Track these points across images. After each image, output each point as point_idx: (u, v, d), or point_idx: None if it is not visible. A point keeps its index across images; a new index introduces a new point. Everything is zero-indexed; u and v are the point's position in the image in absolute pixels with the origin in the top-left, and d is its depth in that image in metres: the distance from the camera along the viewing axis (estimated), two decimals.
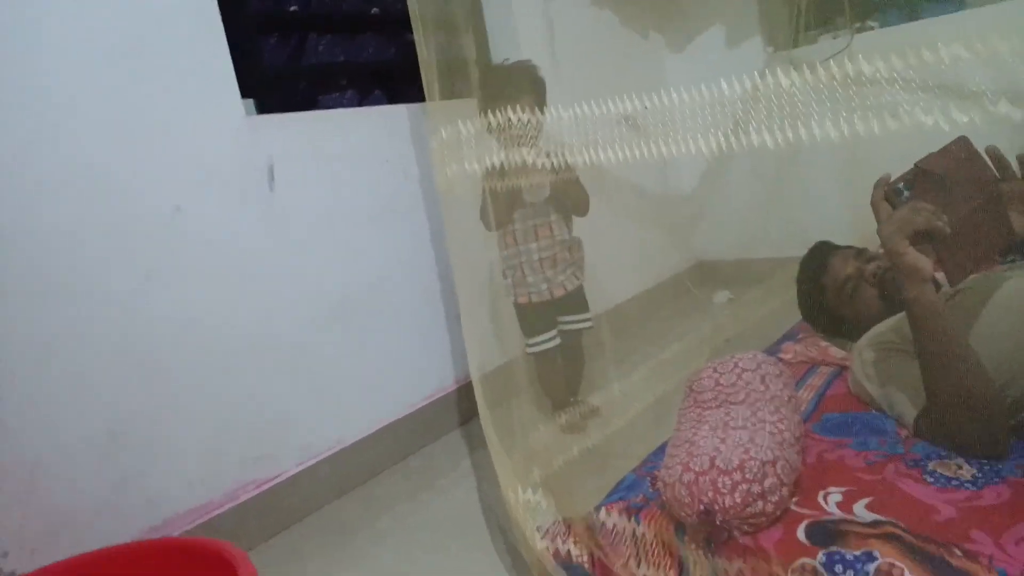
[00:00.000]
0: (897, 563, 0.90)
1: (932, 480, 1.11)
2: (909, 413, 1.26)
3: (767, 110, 1.08)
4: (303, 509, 1.83)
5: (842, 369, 1.63)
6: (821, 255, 1.73)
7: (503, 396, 1.59)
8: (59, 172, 1.43)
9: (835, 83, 1.00)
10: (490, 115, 1.59)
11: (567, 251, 2.02)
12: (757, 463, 1.05)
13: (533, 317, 2.00)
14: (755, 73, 1.09)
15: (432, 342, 2.22)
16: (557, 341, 2.05)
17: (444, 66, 1.59)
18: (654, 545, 1.11)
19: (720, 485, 1.03)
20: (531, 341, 2.00)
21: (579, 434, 1.92)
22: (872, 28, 2.76)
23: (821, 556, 0.96)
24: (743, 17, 3.10)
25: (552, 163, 1.67)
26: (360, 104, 2.55)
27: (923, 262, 1.11)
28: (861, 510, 1.05)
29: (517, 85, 1.87)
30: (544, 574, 1.26)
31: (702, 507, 1.03)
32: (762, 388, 1.26)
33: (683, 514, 1.06)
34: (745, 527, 1.03)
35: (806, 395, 1.54)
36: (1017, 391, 1.16)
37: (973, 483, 1.08)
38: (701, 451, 1.09)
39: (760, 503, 1.03)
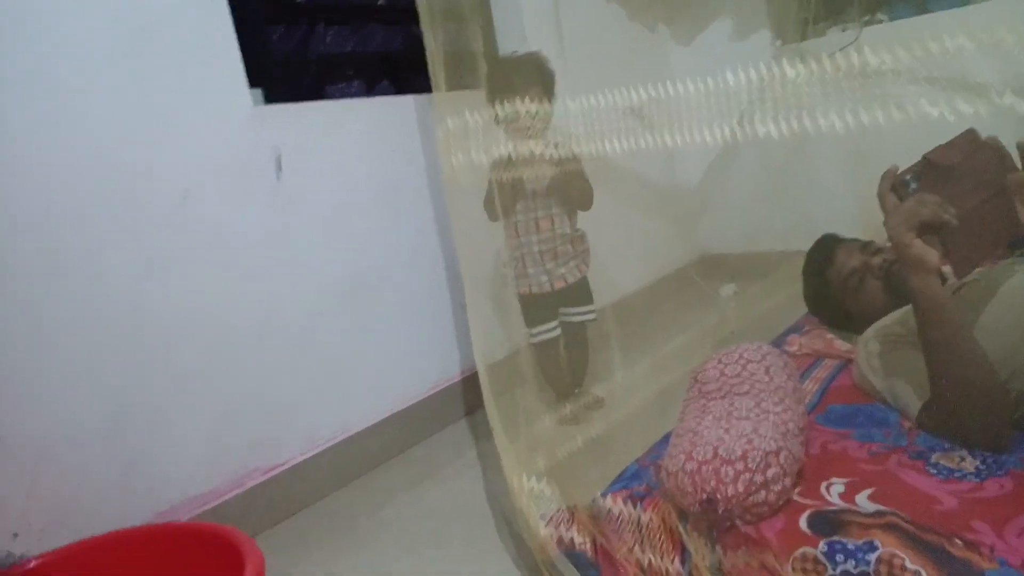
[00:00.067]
0: (898, 553, 0.91)
1: (935, 472, 1.11)
2: (913, 405, 1.26)
3: (773, 101, 1.09)
4: (308, 496, 1.85)
5: (847, 362, 1.63)
6: (827, 248, 1.73)
7: (508, 386, 1.60)
8: (68, 157, 1.43)
9: (841, 75, 1.00)
10: (498, 106, 1.60)
11: (569, 244, 2.02)
12: (760, 453, 1.05)
13: (534, 308, 2.00)
14: (761, 64, 1.09)
15: (437, 332, 2.23)
16: (558, 332, 2.06)
17: (451, 57, 1.59)
18: (657, 533, 1.12)
19: (723, 474, 1.04)
20: (532, 331, 2.01)
21: (576, 426, 1.93)
22: (881, 21, 2.75)
23: (823, 545, 0.96)
24: (751, 10, 3.08)
25: (559, 154, 1.68)
26: (367, 94, 2.55)
27: (929, 254, 1.11)
28: (863, 501, 1.05)
29: (526, 77, 1.87)
30: (547, 562, 1.27)
31: (705, 496, 1.04)
32: (766, 379, 1.26)
33: (686, 503, 1.07)
34: (748, 516, 1.04)
35: (811, 387, 1.55)
36: (1021, 384, 1.16)
37: (976, 475, 1.08)
38: (704, 440, 1.10)
39: (763, 493, 1.03)
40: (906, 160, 1.20)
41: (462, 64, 1.64)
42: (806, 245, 1.82)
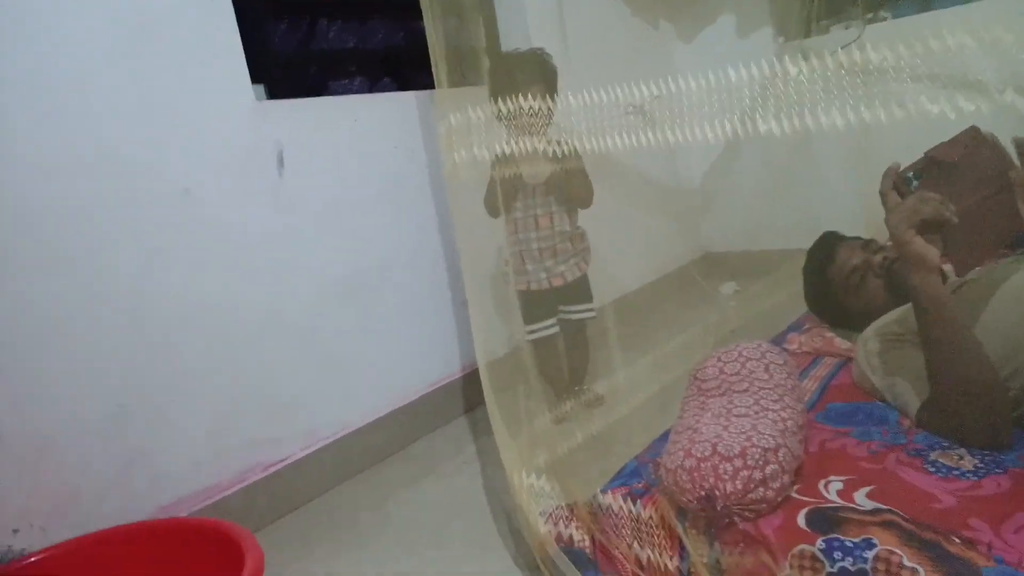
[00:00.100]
0: (896, 550, 0.91)
1: (933, 470, 1.11)
2: (912, 403, 1.26)
3: (775, 99, 1.08)
4: (309, 492, 1.85)
5: (847, 360, 1.63)
6: (828, 246, 1.73)
7: (509, 382, 1.60)
8: (70, 154, 1.44)
9: (843, 72, 1.00)
10: (500, 103, 1.60)
11: (568, 242, 2.02)
12: (759, 450, 1.05)
13: (532, 304, 2.00)
14: (763, 61, 1.09)
15: (438, 328, 2.23)
16: (555, 329, 2.06)
17: (453, 53, 1.59)
18: (655, 530, 1.12)
19: (722, 471, 1.04)
20: (529, 328, 2.01)
21: (573, 423, 1.93)
22: (884, 19, 2.75)
23: (820, 542, 0.96)
24: (754, 7, 3.08)
25: (560, 151, 1.68)
26: (369, 90, 2.55)
27: (930, 251, 1.11)
28: (862, 498, 1.05)
29: (529, 73, 1.87)
30: (546, 558, 1.27)
31: (703, 493, 1.04)
32: (766, 377, 1.26)
33: (684, 500, 1.07)
34: (746, 513, 1.04)
35: (810, 385, 1.55)
36: (1021, 383, 1.16)
37: (974, 473, 1.09)
38: (703, 438, 1.10)
39: (761, 490, 1.04)
40: (908, 158, 1.20)
41: (464, 60, 1.64)
42: (807, 243, 1.81)
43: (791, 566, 0.97)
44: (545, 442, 1.63)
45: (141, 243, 1.55)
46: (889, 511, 0.99)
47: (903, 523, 0.95)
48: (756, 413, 1.15)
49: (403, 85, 2.59)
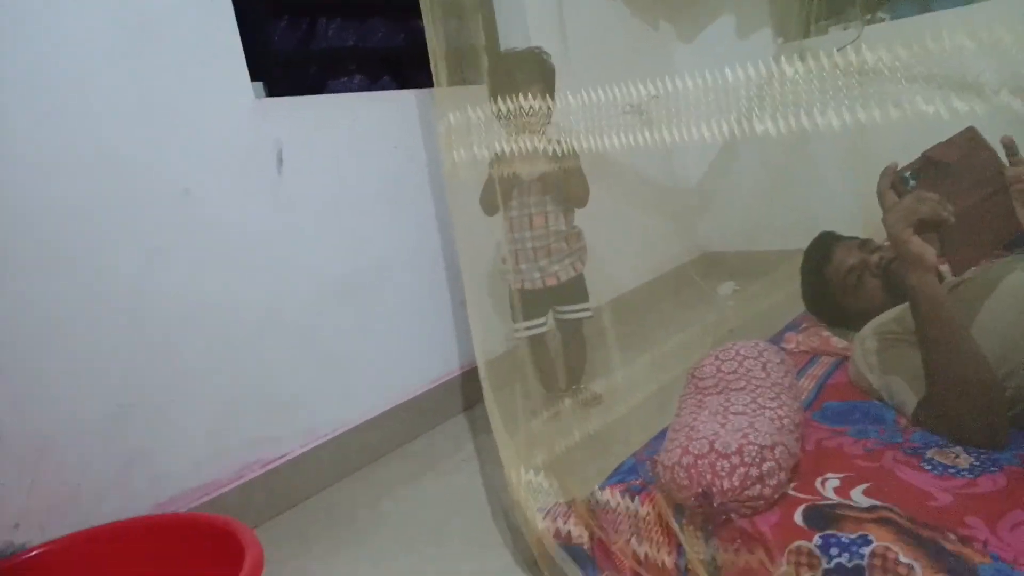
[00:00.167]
0: (892, 546, 0.91)
1: (930, 468, 1.12)
2: (909, 402, 1.27)
3: (772, 99, 1.09)
4: (308, 489, 1.85)
5: (843, 359, 1.64)
6: (825, 245, 1.73)
7: (508, 380, 1.61)
8: (70, 151, 1.44)
9: (839, 72, 1.00)
10: (499, 102, 1.60)
11: (563, 241, 2.01)
12: (756, 447, 1.06)
13: (523, 303, 2.00)
14: (759, 62, 1.10)
15: (437, 327, 2.24)
16: (544, 329, 2.05)
17: (452, 52, 1.59)
18: (653, 527, 1.13)
19: (719, 468, 1.04)
20: (518, 326, 2.01)
21: (566, 423, 1.93)
22: (883, 20, 2.76)
23: (817, 539, 0.97)
24: (753, 8, 3.09)
25: (558, 151, 1.68)
26: (369, 89, 2.56)
27: (927, 250, 1.12)
28: (858, 496, 1.06)
29: (527, 72, 1.87)
30: (544, 555, 1.28)
31: (700, 490, 1.04)
32: (763, 375, 1.27)
33: (682, 496, 1.08)
34: (743, 510, 1.04)
35: (807, 384, 1.55)
36: (1018, 382, 1.16)
37: (970, 471, 1.09)
38: (700, 435, 1.11)
39: (758, 487, 1.04)
40: (904, 158, 1.20)
41: (464, 59, 1.65)
42: (805, 243, 1.82)
43: (788, 562, 0.97)
44: (543, 440, 1.63)
45: (141, 243, 1.55)
46: (885, 508, 0.99)
47: (899, 520, 0.96)
48: (753, 411, 1.16)
49: (402, 83, 2.60)
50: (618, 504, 1.19)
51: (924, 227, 1.12)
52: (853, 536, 0.95)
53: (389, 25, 2.64)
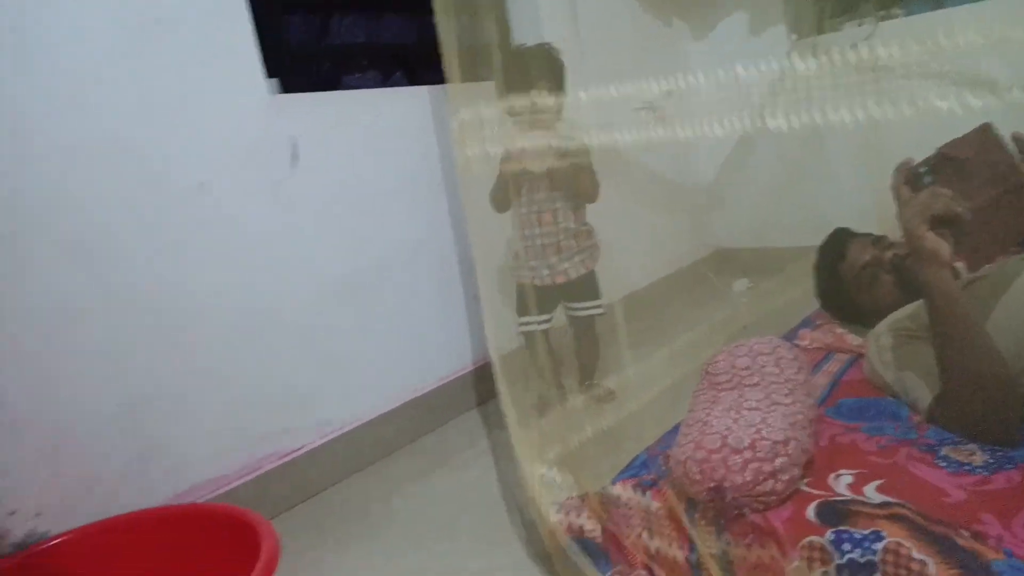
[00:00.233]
0: (904, 542, 0.91)
1: (944, 465, 1.11)
2: (924, 398, 1.26)
3: (786, 95, 1.09)
4: (322, 482, 1.87)
5: (858, 356, 1.63)
6: (839, 242, 1.73)
7: (521, 375, 1.61)
8: (87, 145, 1.46)
9: (852, 69, 1.00)
10: (510, 98, 1.61)
11: (572, 239, 2.00)
12: (768, 443, 1.06)
13: (529, 298, 2.00)
14: (772, 59, 1.10)
15: (451, 322, 2.25)
16: (547, 325, 2.06)
17: (465, 49, 1.60)
18: (664, 521, 1.13)
19: (731, 463, 1.05)
20: (521, 320, 2.02)
21: (579, 418, 1.93)
22: (897, 16, 2.74)
23: (830, 535, 0.97)
24: (767, 4, 3.07)
25: (569, 146, 1.69)
26: (382, 85, 2.57)
27: (942, 246, 1.11)
28: (871, 492, 1.06)
29: (537, 69, 1.87)
30: (557, 548, 1.29)
31: (713, 484, 1.05)
32: (776, 371, 1.27)
33: (694, 491, 1.08)
34: (755, 505, 1.05)
35: (822, 380, 1.55)
36: None
37: (985, 468, 1.09)
38: (713, 430, 1.11)
39: (770, 482, 1.04)
40: (918, 154, 1.20)
41: (477, 56, 1.65)
42: (819, 240, 1.81)
43: (800, 557, 0.98)
44: (557, 435, 1.64)
45: (157, 236, 1.57)
46: (898, 504, 0.99)
47: (912, 516, 0.96)
48: (767, 407, 1.16)
49: (415, 80, 2.60)
50: (630, 499, 1.19)
51: (939, 223, 1.12)
52: (866, 532, 0.95)
53: (402, 21, 2.65)
